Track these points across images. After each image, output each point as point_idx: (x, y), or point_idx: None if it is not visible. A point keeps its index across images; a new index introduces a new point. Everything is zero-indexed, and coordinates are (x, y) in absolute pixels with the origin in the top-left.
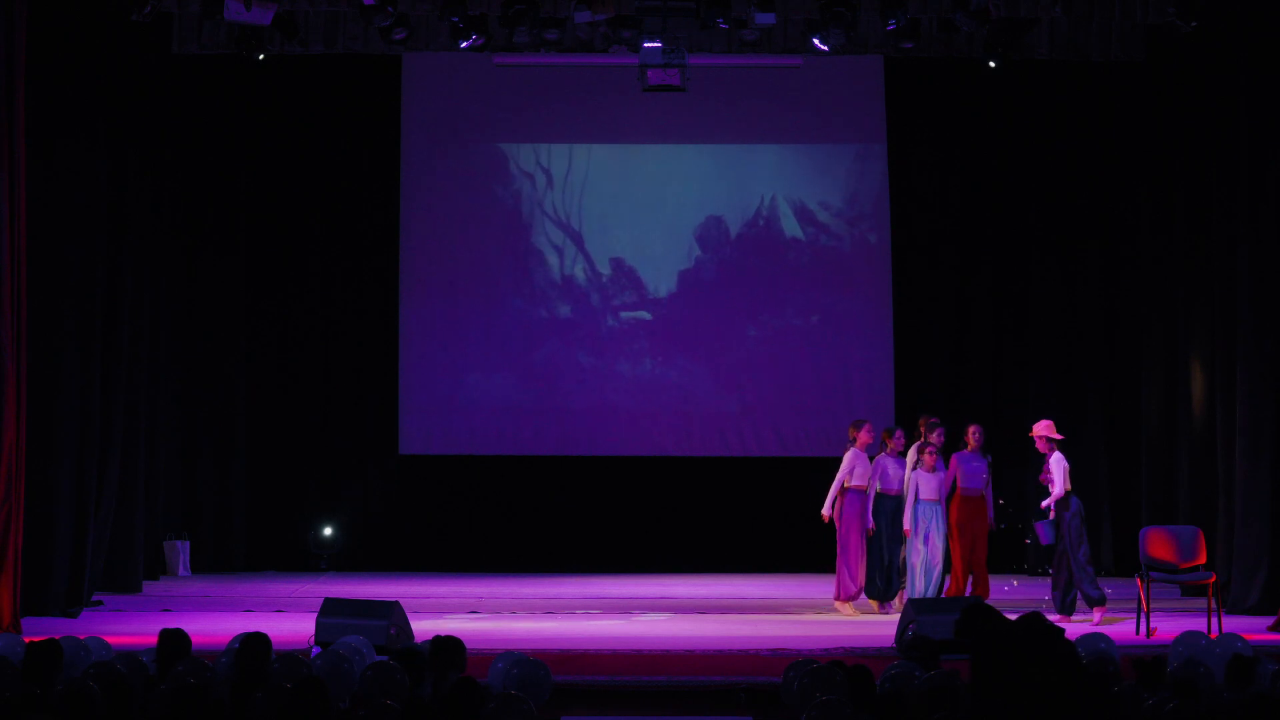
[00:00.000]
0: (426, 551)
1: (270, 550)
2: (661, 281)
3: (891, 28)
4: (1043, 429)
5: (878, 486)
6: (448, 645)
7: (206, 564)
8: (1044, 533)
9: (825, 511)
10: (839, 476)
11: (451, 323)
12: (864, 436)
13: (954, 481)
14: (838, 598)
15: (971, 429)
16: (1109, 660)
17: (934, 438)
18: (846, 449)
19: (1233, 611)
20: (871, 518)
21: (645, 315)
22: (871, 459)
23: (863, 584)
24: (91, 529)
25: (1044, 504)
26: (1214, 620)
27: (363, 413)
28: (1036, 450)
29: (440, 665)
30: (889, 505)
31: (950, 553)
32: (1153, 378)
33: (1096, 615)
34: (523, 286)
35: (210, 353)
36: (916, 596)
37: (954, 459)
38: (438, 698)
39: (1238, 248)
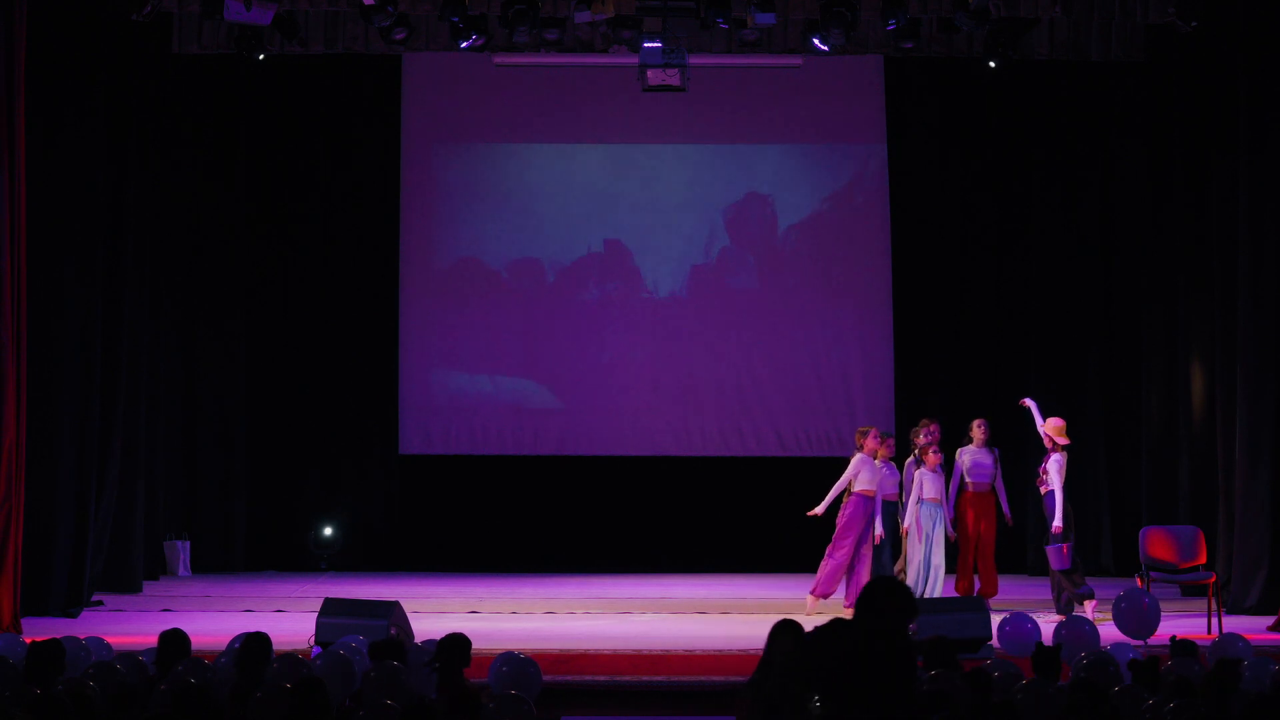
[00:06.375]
0: (426, 551)
1: (270, 550)
2: (661, 281)
3: (891, 28)
4: (1052, 428)
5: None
6: (455, 642)
7: (206, 564)
8: (1054, 557)
9: (817, 510)
10: (842, 480)
11: (451, 323)
12: (870, 443)
13: (961, 477)
14: (813, 591)
15: (976, 423)
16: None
17: (922, 437)
18: (854, 454)
19: (1233, 611)
20: (881, 525)
21: (645, 315)
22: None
23: (833, 588)
24: (91, 529)
25: (1054, 527)
26: (1214, 620)
27: (363, 413)
28: (1041, 447)
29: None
30: (890, 512)
31: (961, 551)
32: (1153, 377)
33: (1089, 608)
34: (522, 286)
35: (210, 352)
36: (919, 597)
37: (959, 454)
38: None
39: (1238, 248)
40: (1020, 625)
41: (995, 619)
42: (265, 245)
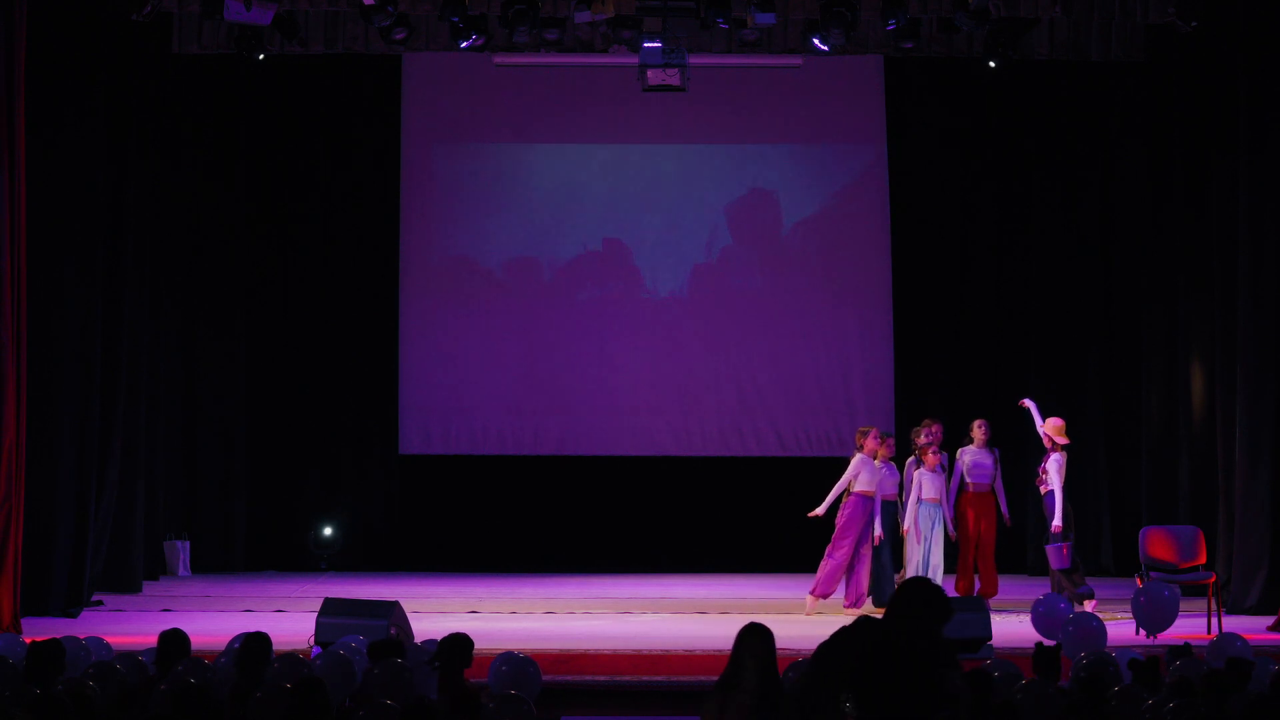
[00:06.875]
0: (426, 551)
1: (270, 550)
2: (661, 281)
3: (891, 28)
4: (1052, 428)
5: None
6: (456, 642)
7: (206, 564)
8: (1054, 557)
9: (818, 511)
10: (843, 480)
11: (451, 322)
12: (870, 443)
13: (961, 477)
14: (812, 591)
15: (977, 423)
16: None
17: (923, 438)
18: (854, 454)
19: (1233, 611)
20: (881, 525)
21: (644, 314)
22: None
23: (832, 588)
24: (91, 529)
25: (1054, 526)
26: (1214, 620)
27: (363, 413)
28: (1041, 447)
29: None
30: (890, 512)
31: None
32: (1153, 377)
33: (1089, 608)
34: (522, 286)
35: (210, 352)
36: None
37: (960, 454)
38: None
39: (1238, 248)
40: (1053, 604)
41: (995, 619)
42: (265, 245)
